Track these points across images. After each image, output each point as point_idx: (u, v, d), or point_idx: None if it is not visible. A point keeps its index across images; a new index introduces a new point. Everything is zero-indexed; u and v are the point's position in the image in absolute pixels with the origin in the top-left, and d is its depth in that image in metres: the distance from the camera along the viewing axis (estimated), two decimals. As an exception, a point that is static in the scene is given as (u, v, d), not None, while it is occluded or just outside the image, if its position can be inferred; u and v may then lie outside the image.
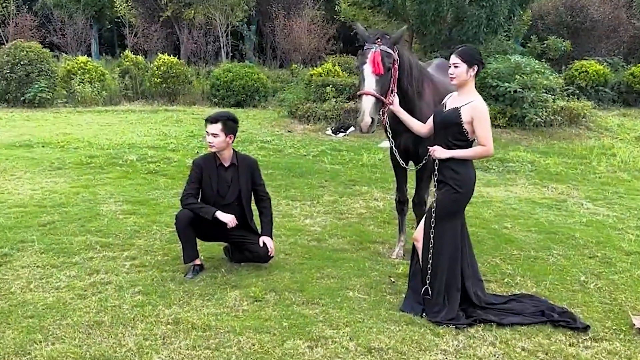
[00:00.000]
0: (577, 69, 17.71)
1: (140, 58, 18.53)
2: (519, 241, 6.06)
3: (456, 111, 4.13)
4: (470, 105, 4.10)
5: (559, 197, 8.08)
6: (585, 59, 19.21)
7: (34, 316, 4.02)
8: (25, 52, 15.99)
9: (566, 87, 16.29)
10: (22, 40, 17.32)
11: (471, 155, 4.18)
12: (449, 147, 4.16)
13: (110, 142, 10.78)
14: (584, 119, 13.99)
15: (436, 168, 4.22)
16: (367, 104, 4.46)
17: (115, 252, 5.32)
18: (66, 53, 23.06)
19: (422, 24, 15.52)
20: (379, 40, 4.59)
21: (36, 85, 15.79)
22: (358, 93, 4.59)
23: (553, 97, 13.47)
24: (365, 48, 4.63)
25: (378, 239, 6.04)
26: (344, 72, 16.26)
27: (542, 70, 13.39)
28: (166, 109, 16.04)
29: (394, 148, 5.05)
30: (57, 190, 7.39)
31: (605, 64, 19.35)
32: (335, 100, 13.75)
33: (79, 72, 17.15)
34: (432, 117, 4.44)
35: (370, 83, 4.49)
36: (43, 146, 10.33)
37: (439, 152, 4.16)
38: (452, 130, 4.15)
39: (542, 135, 12.83)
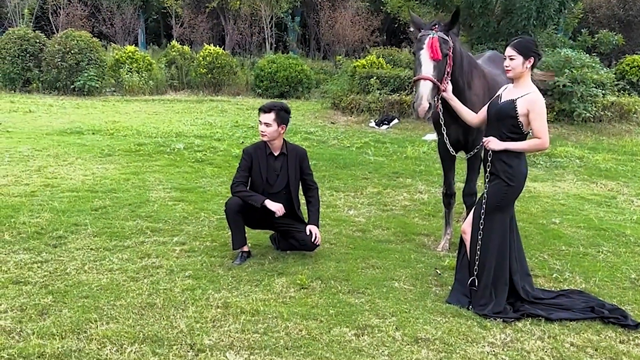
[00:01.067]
0: (629, 64, 17.22)
1: (186, 48, 18.83)
2: (568, 237, 5.98)
3: (512, 103, 4.09)
4: (526, 98, 4.06)
5: (609, 194, 7.92)
6: (637, 54, 18.65)
7: (88, 296, 4.16)
8: (75, 41, 16.42)
9: (617, 82, 15.87)
10: (73, 29, 17.77)
11: (526, 148, 4.14)
12: (502, 139, 4.13)
13: (157, 130, 11.00)
14: (634, 115, 13.63)
15: (489, 159, 4.19)
16: (424, 89, 4.45)
17: (165, 237, 5.45)
18: (115, 42, 23.57)
19: (470, 15, 15.34)
20: (435, 26, 4.59)
21: (85, 74, 16.20)
22: (415, 78, 4.58)
23: (603, 92, 13.17)
24: (421, 35, 4.63)
25: (423, 232, 6.03)
26: (388, 65, 16.19)
27: (593, 65, 13.12)
28: (211, 99, 16.25)
29: (445, 136, 5.03)
30: (108, 176, 7.59)
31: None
32: (379, 92, 13.73)
33: (127, 61, 17.53)
34: (485, 107, 4.41)
35: (427, 68, 4.49)
36: (93, 133, 10.61)
37: (493, 143, 4.13)
38: (507, 122, 4.11)
39: (591, 131, 12.57)
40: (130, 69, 17.31)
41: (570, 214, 6.83)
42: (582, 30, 18.82)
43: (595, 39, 18.16)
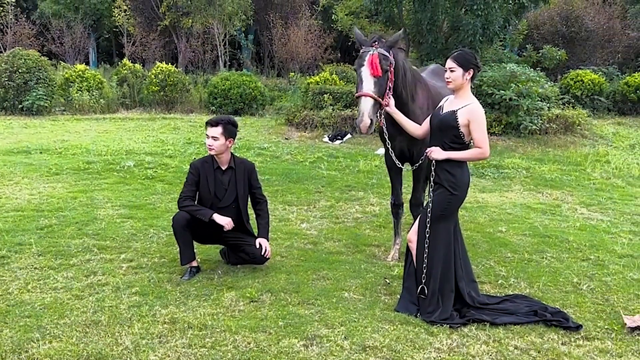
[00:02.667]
0: (573, 78, 17.82)
1: (138, 66, 18.62)
2: (513, 244, 6.11)
3: (453, 114, 4.19)
4: (467, 109, 4.16)
5: (554, 203, 8.14)
6: (580, 69, 19.32)
7: (31, 315, 4.05)
8: (23, 60, 16.06)
9: (562, 96, 16.38)
10: (20, 48, 17.40)
11: (467, 157, 4.24)
12: (445, 149, 4.21)
13: (107, 148, 10.83)
14: (579, 127, 14.07)
15: (433, 169, 4.26)
16: (365, 105, 4.52)
17: (113, 254, 5.36)
18: (64, 61, 23.14)
19: (419, 32, 15.67)
20: (376, 43, 4.67)
21: (34, 93, 15.84)
22: (356, 95, 4.66)
23: (548, 105, 13.56)
24: (362, 51, 4.70)
25: (374, 242, 6.08)
26: (341, 81, 16.34)
27: (538, 79, 13.49)
28: (164, 117, 16.10)
29: (389, 149, 5.10)
30: (55, 195, 7.43)
31: (600, 73, 19.45)
32: (332, 107, 13.83)
33: (77, 80, 17.22)
34: (428, 119, 4.50)
35: (368, 85, 4.56)
36: (41, 152, 10.37)
37: (436, 153, 4.21)
38: (449, 132, 4.20)
39: (537, 143, 12.90)
40: (81, 87, 17.01)
41: (516, 223, 6.99)
42: (527, 45, 19.40)
43: (540, 54, 18.75)
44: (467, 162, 4.34)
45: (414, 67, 5.45)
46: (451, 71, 4.20)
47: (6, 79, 15.80)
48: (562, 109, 14.52)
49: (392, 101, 4.74)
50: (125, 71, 18.06)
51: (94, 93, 16.88)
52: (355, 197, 8.08)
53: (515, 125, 13.00)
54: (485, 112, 13.35)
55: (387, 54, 4.65)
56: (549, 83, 15.15)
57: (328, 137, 13.07)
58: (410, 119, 4.81)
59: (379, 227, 6.68)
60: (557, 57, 19.10)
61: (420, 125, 4.67)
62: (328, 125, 13.53)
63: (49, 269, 4.94)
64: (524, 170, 10.22)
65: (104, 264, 5.10)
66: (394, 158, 5.10)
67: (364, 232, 6.47)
